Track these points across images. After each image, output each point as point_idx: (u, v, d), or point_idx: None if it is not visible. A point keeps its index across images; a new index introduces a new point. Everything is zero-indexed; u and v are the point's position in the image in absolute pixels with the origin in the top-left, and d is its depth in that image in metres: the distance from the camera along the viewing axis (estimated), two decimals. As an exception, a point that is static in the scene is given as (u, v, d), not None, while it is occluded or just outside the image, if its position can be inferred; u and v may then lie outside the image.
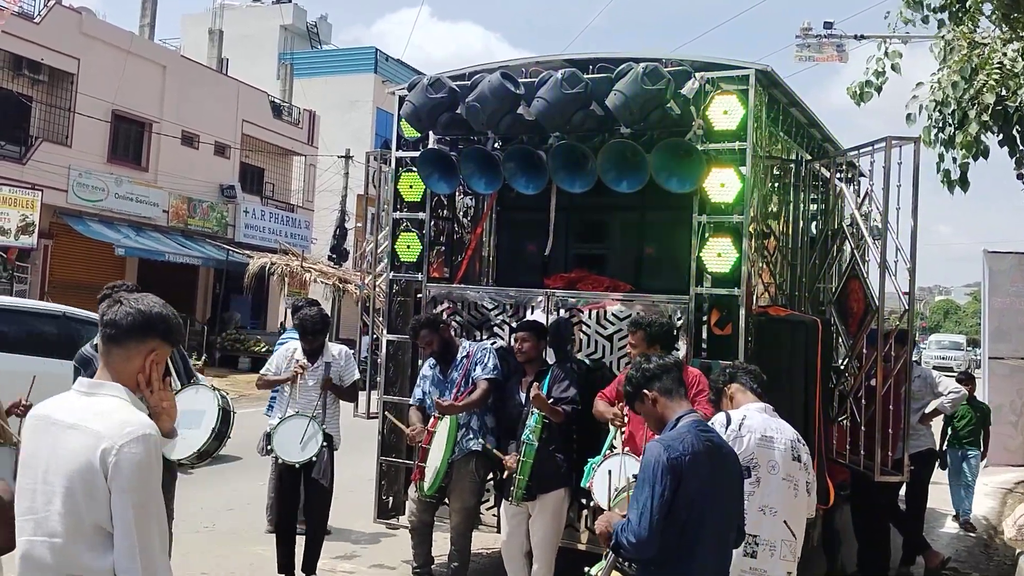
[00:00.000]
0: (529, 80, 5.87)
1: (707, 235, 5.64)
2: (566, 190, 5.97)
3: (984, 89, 8.87)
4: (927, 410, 7.39)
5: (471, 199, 7.19)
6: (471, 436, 5.86)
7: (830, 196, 6.85)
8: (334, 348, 6.53)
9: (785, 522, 4.10)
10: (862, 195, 6.43)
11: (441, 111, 5.97)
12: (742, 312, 5.52)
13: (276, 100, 28.72)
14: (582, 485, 5.29)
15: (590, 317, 6.03)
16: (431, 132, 6.35)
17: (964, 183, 9.21)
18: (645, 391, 3.52)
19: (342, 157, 30.15)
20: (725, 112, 5.58)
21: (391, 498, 6.73)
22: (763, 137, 5.89)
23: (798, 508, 4.18)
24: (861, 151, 6.13)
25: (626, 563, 3.44)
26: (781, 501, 4.09)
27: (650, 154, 5.60)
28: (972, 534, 9.00)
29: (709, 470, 3.31)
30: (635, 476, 4.59)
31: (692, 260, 5.70)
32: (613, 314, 5.97)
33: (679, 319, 5.68)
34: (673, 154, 5.60)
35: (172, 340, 2.63)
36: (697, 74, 5.62)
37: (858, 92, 9.09)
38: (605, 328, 6.00)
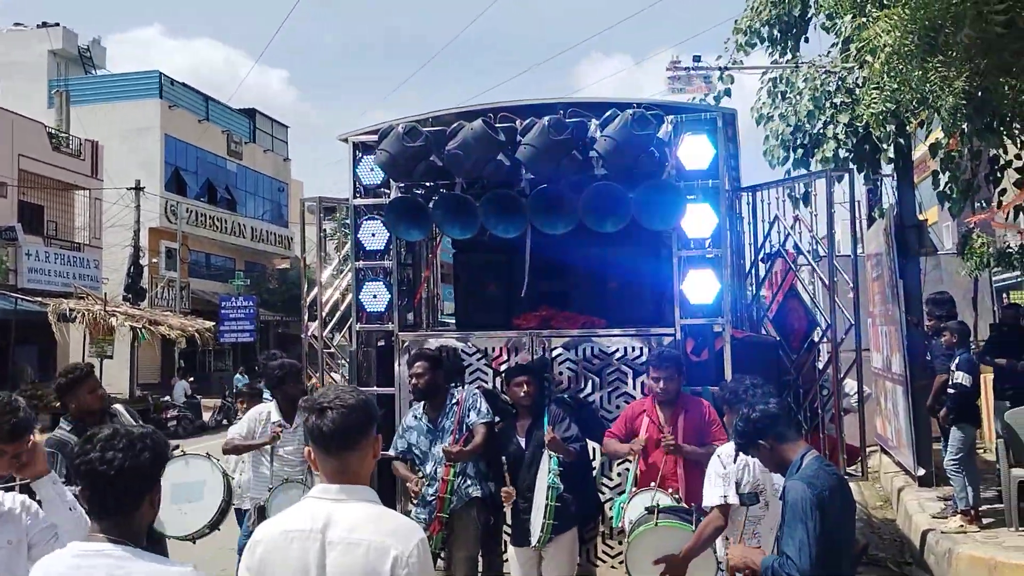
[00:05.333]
0: (504, 126, 5.92)
1: (687, 269, 5.96)
2: (548, 232, 6.07)
3: (839, 111, 9.90)
4: None
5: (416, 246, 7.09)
6: (470, 483, 5.82)
7: (758, 222, 7.40)
8: (307, 407, 6.24)
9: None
10: (790, 221, 7.02)
11: (420, 159, 5.90)
12: (727, 338, 5.89)
13: (54, 131, 26.37)
14: (614, 526, 5.41)
15: (578, 354, 6.17)
16: (400, 180, 6.24)
17: (807, 200, 10.28)
18: (760, 441, 3.73)
19: (131, 189, 28.18)
20: (696, 152, 5.94)
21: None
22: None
23: None
24: (797, 179, 6.71)
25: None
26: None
27: (631, 195, 5.84)
28: None
29: (841, 502, 3.58)
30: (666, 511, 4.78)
31: (675, 293, 5.98)
32: (601, 350, 6.15)
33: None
34: (654, 193, 5.87)
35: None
36: (667, 117, 5.95)
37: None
38: (593, 364, 6.16)
